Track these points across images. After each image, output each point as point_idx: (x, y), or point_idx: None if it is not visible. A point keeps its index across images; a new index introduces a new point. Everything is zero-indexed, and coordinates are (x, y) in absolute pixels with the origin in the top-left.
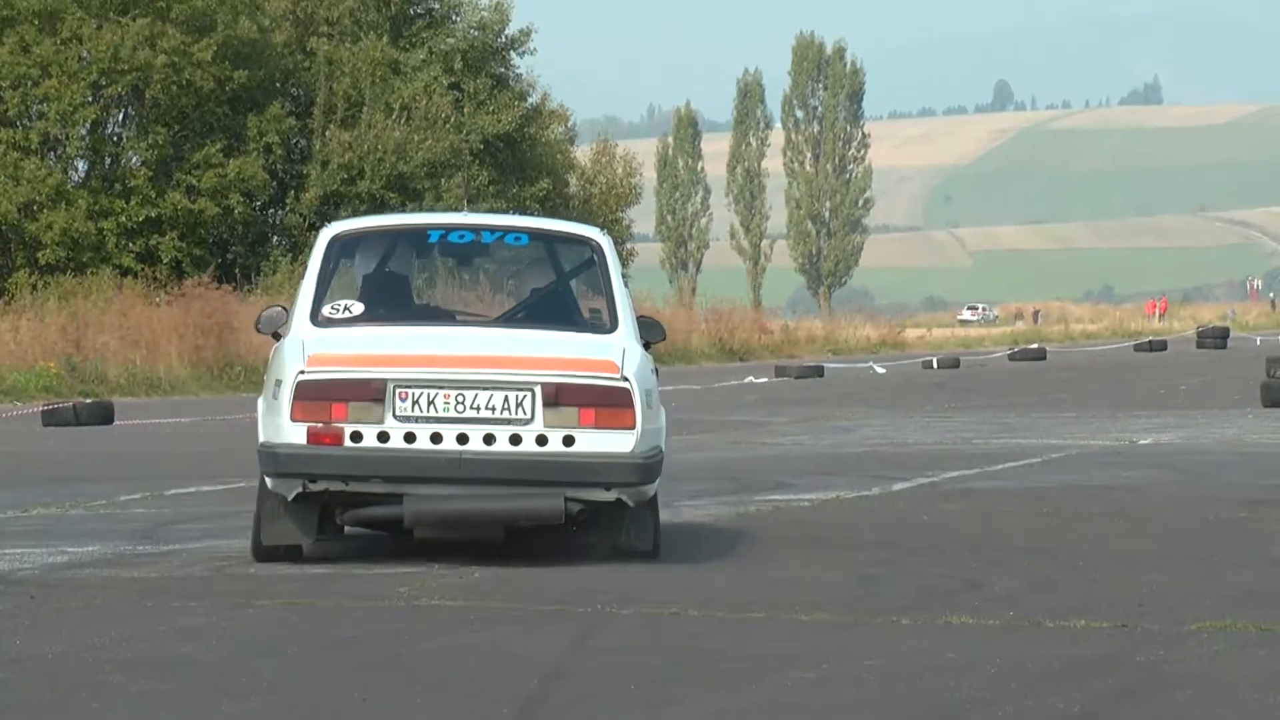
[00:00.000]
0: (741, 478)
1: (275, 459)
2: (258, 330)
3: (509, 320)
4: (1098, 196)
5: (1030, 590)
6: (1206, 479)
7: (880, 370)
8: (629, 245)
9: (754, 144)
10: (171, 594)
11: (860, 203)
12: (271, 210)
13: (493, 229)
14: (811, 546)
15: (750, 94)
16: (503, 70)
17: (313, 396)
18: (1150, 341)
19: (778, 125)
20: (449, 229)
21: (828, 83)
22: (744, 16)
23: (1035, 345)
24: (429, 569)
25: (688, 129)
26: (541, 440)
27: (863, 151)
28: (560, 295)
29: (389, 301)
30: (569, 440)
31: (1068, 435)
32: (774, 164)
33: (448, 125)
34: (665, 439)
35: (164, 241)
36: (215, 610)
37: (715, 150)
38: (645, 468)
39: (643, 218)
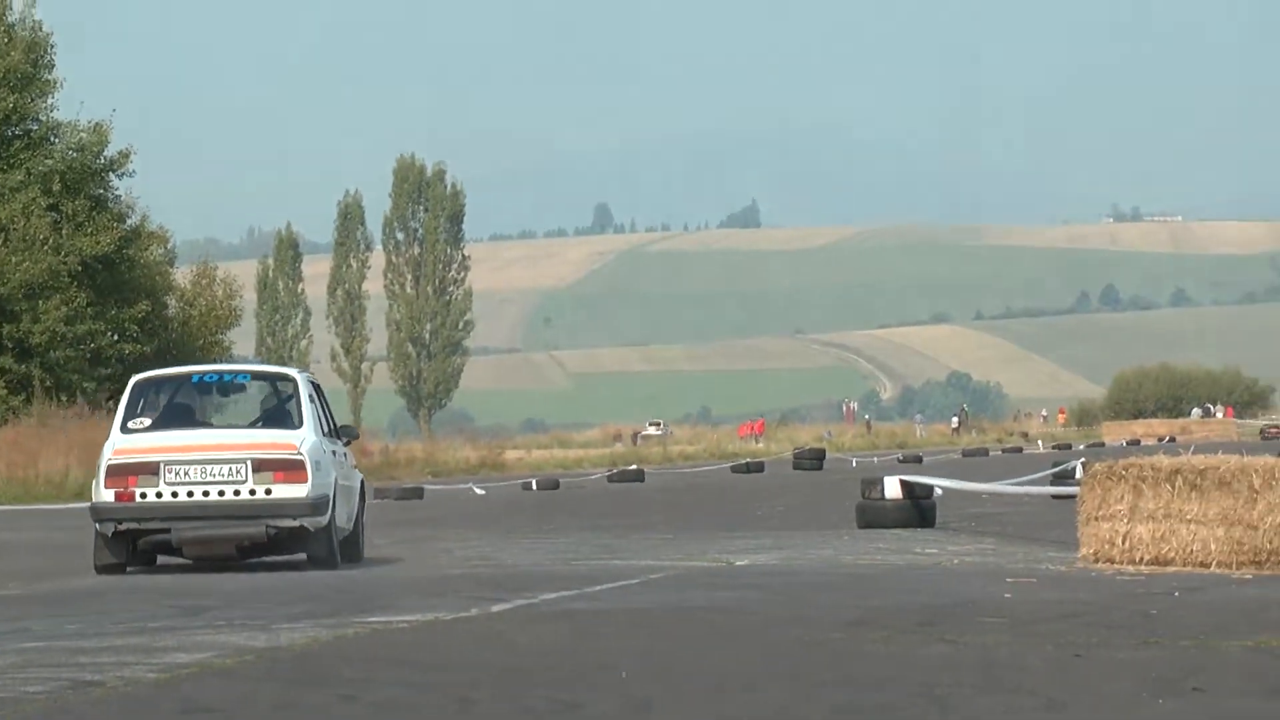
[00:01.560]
0: (339, 599)
1: (97, 511)
2: None
3: (247, 425)
4: (697, 318)
5: (628, 711)
6: (802, 600)
7: (480, 492)
8: None
9: (355, 266)
10: None
11: (461, 325)
12: None
13: (230, 373)
14: (410, 669)
15: (351, 216)
16: (102, 192)
17: (117, 474)
18: (748, 463)
19: (379, 247)
20: (204, 374)
21: (429, 205)
22: (345, 138)
23: (634, 467)
24: None
25: (288, 251)
26: (252, 492)
27: (463, 274)
28: (276, 408)
29: (171, 417)
30: (268, 491)
31: (666, 556)
32: (375, 286)
33: (45, 247)
34: (338, 489)
35: None
36: None
37: (316, 272)
38: (314, 505)
39: (243, 339)
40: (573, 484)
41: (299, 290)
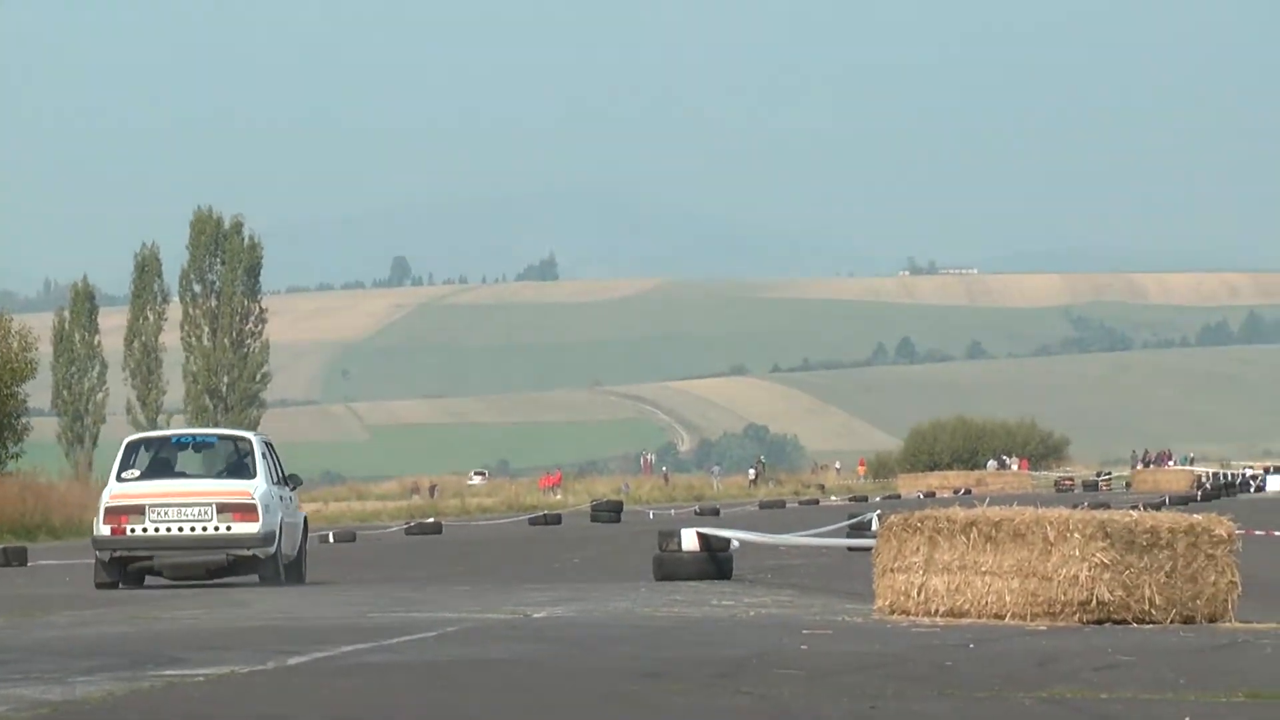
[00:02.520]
0: (136, 652)
1: (96, 542)
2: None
3: (214, 476)
4: (495, 371)
5: None
6: (600, 652)
7: None
8: (24, 420)
9: (151, 318)
10: None
11: (258, 377)
12: None
13: (201, 435)
14: None
15: (148, 268)
16: None
17: (112, 514)
18: (545, 515)
19: (176, 299)
20: (180, 436)
21: (226, 257)
22: (142, 190)
23: (431, 519)
24: None
25: (84, 303)
26: (216, 528)
27: (261, 326)
28: (236, 463)
29: (156, 469)
30: (229, 527)
31: (463, 609)
32: (172, 338)
33: None
34: (283, 525)
35: None
36: None
37: (113, 324)
38: (264, 539)
39: (39, 392)
40: (370, 536)
41: (95, 342)
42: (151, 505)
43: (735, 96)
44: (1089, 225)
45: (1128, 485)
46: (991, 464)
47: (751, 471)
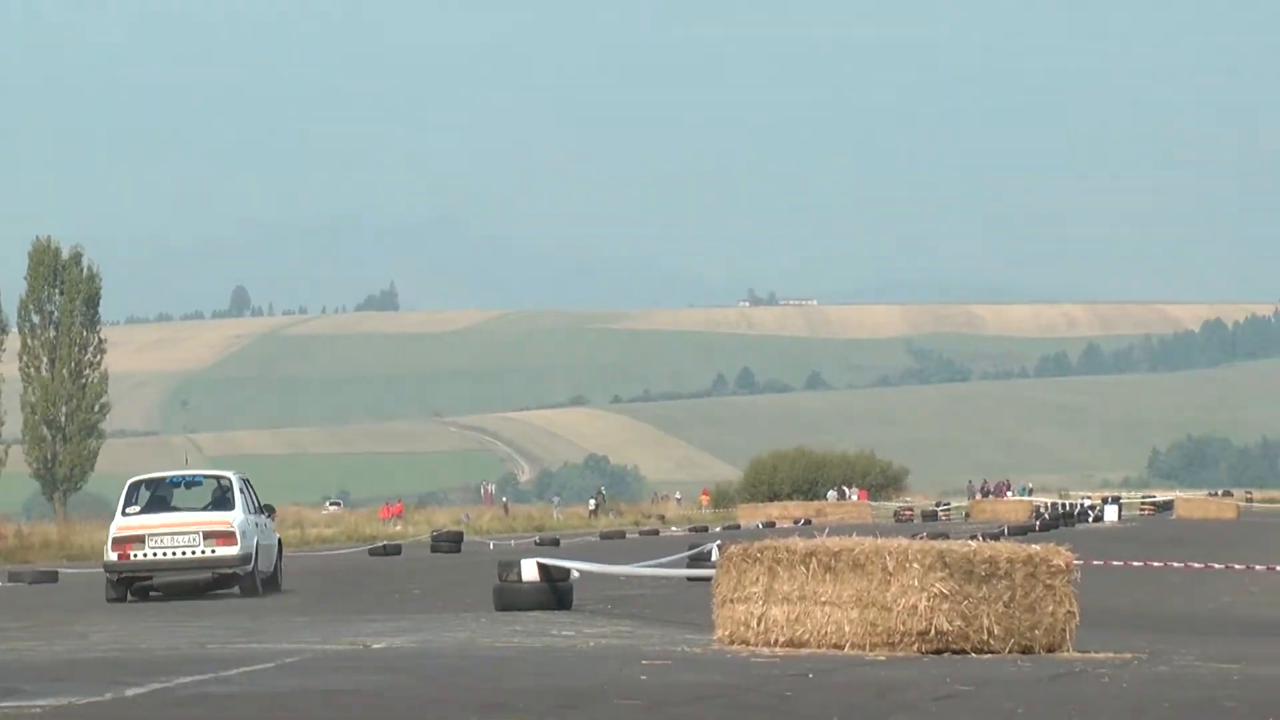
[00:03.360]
0: None
1: (106, 566)
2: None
3: (203, 509)
4: (335, 401)
5: None
6: (440, 682)
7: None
8: None
9: None
10: None
11: (97, 407)
12: None
13: (192, 475)
14: None
15: None
16: None
17: (119, 542)
18: (385, 545)
19: (14, 330)
20: (174, 477)
21: (64, 287)
22: None
23: None
24: None
25: None
26: (203, 552)
27: (99, 356)
28: (220, 497)
29: (154, 505)
30: (213, 551)
31: (302, 639)
32: (10, 369)
33: None
34: (260, 547)
35: None
36: None
37: None
38: (242, 559)
39: None
40: None
41: None
42: (150, 535)
43: (573, 127)
44: (928, 257)
45: (967, 515)
46: (831, 494)
47: (592, 502)
